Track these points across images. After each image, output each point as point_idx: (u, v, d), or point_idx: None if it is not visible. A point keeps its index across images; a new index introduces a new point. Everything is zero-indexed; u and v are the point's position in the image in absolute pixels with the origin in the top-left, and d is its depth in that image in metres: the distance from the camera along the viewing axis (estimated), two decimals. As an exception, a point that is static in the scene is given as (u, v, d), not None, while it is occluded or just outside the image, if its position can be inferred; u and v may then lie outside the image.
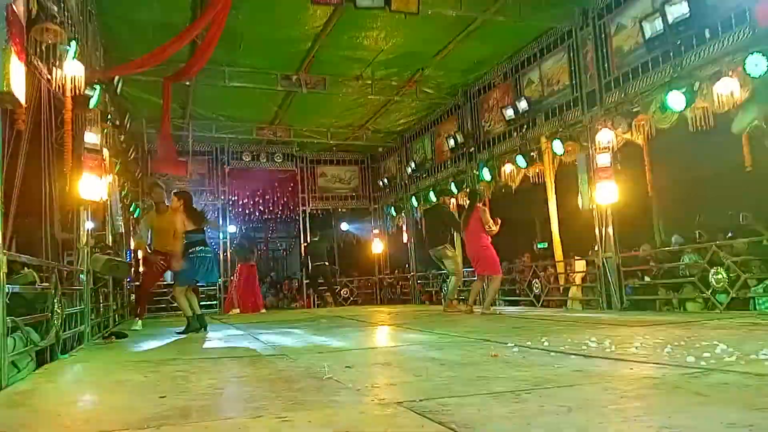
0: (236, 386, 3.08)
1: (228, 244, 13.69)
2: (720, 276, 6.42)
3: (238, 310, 11.76)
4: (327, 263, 13.12)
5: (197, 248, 6.71)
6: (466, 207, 8.51)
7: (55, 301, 4.53)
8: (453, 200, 11.23)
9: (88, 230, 6.06)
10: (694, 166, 9.52)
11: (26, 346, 3.87)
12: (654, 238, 10.08)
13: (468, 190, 9.85)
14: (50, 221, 5.62)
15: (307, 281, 14.11)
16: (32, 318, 4.11)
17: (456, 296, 9.15)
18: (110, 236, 7.80)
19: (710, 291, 6.56)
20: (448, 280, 9.05)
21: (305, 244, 14.05)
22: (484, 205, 8.92)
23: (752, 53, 5.70)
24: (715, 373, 2.73)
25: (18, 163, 4.89)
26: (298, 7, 7.68)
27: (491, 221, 7.96)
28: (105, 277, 7.18)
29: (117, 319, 8.72)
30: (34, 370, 3.92)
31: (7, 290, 3.37)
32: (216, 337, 6.12)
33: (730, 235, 7.09)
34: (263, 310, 12.14)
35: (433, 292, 12.98)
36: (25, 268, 4.92)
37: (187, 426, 2.18)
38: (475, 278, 8.69)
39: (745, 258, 6.39)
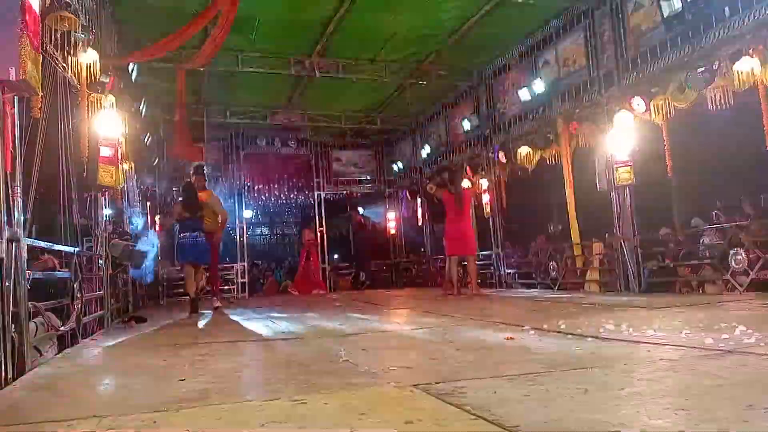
0: (253, 369, 3.11)
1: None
2: (740, 257, 6.34)
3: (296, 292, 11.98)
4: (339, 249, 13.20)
5: (187, 233, 7.31)
6: (455, 190, 8.73)
7: (75, 286, 4.61)
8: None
9: (105, 216, 6.13)
10: (714, 146, 9.34)
11: (48, 331, 3.94)
12: (672, 220, 9.95)
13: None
14: (68, 208, 5.68)
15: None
16: (53, 303, 4.18)
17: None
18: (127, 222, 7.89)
19: (730, 273, 6.49)
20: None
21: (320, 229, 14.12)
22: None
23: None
24: (734, 355, 2.70)
25: (35, 150, 4.94)
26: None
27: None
28: (124, 263, 7.27)
29: (139, 303, 8.85)
30: (55, 354, 3.99)
31: (27, 276, 3.43)
32: (233, 322, 6.18)
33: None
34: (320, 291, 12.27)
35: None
36: (45, 253, 4.99)
37: (206, 408, 2.21)
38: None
39: (765, 239, 6.30)
